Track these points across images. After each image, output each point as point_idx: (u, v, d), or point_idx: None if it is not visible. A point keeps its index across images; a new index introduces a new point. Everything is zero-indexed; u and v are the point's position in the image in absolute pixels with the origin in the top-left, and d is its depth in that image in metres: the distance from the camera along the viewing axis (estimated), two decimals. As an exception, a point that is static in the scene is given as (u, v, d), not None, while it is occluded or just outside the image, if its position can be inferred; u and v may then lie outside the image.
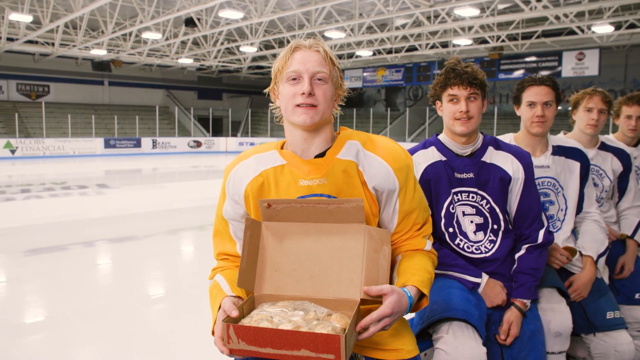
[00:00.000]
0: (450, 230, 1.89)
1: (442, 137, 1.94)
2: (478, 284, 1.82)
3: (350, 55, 24.36)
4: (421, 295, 1.29)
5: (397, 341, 1.34)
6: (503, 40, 19.27)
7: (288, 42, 20.83)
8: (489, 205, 1.86)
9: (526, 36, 19.35)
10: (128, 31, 18.01)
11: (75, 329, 3.48)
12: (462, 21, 16.07)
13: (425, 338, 1.71)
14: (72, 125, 24.83)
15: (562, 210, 2.19)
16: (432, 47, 20.92)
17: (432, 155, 1.90)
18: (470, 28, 17.98)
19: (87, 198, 10.04)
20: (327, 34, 18.39)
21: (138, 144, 24.71)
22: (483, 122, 23.69)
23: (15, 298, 4.20)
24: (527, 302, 1.81)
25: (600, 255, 2.15)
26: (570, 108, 2.55)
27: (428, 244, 1.43)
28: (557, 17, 15.74)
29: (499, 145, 1.90)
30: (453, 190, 1.87)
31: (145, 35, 18.85)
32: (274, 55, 23.87)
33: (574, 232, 2.25)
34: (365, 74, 24.87)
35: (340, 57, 24.68)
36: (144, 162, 20.47)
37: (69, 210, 8.57)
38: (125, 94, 29.34)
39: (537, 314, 1.85)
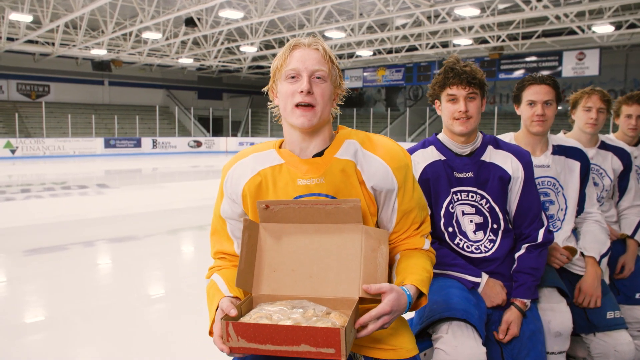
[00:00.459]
0: (450, 229, 1.89)
1: (441, 136, 1.94)
2: (478, 284, 1.81)
3: (351, 55, 24.36)
4: (420, 294, 1.29)
5: (396, 340, 1.33)
6: (503, 40, 19.27)
7: (288, 41, 20.81)
8: (488, 205, 1.86)
9: (526, 36, 19.35)
10: (128, 31, 18.02)
11: (75, 329, 3.48)
12: (463, 21, 16.06)
13: (425, 338, 1.71)
14: (72, 125, 24.83)
15: (562, 209, 2.18)
16: (432, 47, 20.92)
17: (431, 154, 1.90)
18: (470, 28, 17.97)
19: (87, 198, 10.04)
20: (327, 34, 18.39)
21: (138, 144, 24.71)
22: (483, 122, 23.73)
23: (15, 298, 4.20)
24: (527, 301, 1.80)
25: (602, 256, 2.14)
26: (569, 108, 2.55)
27: (427, 243, 1.43)
28: (557, 17, 15.73)
29: (499, 145, 1.90)
30: (452, 190, 1.86)
31: (146, 35, 18.85)
32: (274, 55, 23.80)
33: (575, 232, 2.24)
34: (365, 73, 24.86)
35: (340, 57, 24.68)
36: (144, 162, 20.47)
37: (69, 210, 8.57)
38: (126, 94, 29.34)
39: (537, 313, 1.84)
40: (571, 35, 17.97)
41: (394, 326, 1.34)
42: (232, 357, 1.17)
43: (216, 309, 1.23)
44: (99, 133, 25.46)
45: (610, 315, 2.01)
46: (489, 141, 1.90)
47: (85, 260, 5.36)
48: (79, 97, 27.71)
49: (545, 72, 20.07)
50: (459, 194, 1.87)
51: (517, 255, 1.88)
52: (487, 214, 1.86)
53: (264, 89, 1.42)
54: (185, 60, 24.56)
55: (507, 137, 2.18)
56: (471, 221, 1.87)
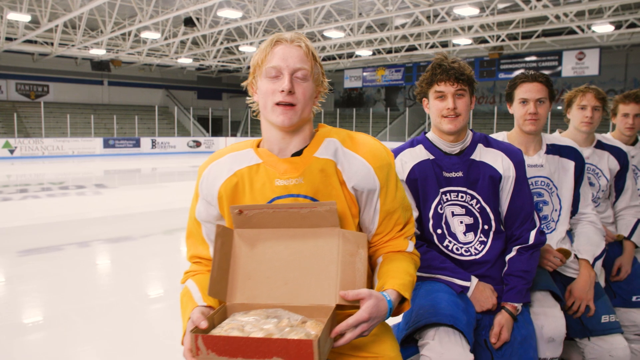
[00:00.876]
0: (439, 231, 1.83)
1: (430, 135, 1.88)
2: (467, 288, 1.76)
3: (350, 55, 24.31)
4: (402, 299, 1.24)
5: (378, 347, 1.29)
6: (503, 40, 19.23)
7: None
8: (479, 205, 1.80)
9: (526, 36, 19.30)
10: (127, 30, 17.99)
11: (74, 329, 3.46)
12: (462, 20, 16.01)
13: (411, 344, 1.65)
14: (72, 125, 24.81)
15: (556, 210, 2.13)
16: (432, 47, 20.87)
17: (419, 154, 1.84)
18: (470, 27, 17.93)
19: (84, 198, 10.00)
20: (326, 34, 18.35)
21: (137, 144, 24.67)
22: (483, 122, 23.72)
23: (12, 298, 4.17)
24: (518, 305, 1.75)
25: (596, 259, 2.07)
26: (564, 106, 2.50)
27: (410, 245, 1.39)
28: (557, 17, 15.69)
29: (489, 143, 1.84)
30: (442, 190, 1.81)
31: (144, 34, 18.81)
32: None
33: (569, 234, 2.18)
34: (365, 73, 24.82)
35: (339, 56, 24.65)
36: (143, 162, 20.44)
37: (67, 210, 8.54)
38: (125, 94, 29.31)
39: (529, 318, 1.78)
40: (571, 35, 17.92)
41: (375, 332, 1.29)
42: None
43: (189, 319, 1.18)
44: (99, 133, 25.43)
45: (605, 319, 1.95)
46: (479, 139, 1.84)
47: (84, 260, 5.34)
48: (78, 97, 27.68)
49: (545, 72, 20.02)
50: (448, 194, 1.81)
51: (507, 257, 1.82)
52: (478, 215, 1.80)
53: (243, 84, 1.37)
54: (185, 60, 24.53)
55: (499, 136, 2.12)
56: (461, 222, 1.81)
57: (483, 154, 1.81)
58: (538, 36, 18.61)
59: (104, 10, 17.33)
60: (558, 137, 2.16)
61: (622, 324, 2.31)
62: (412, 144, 1.89)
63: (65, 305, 3.91)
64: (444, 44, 20.93)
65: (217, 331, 1.10)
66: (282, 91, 1.24)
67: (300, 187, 1.28)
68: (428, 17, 16.81)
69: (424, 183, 1.81)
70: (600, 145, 2.48)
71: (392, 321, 1.54)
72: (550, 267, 2.01)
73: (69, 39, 20.27)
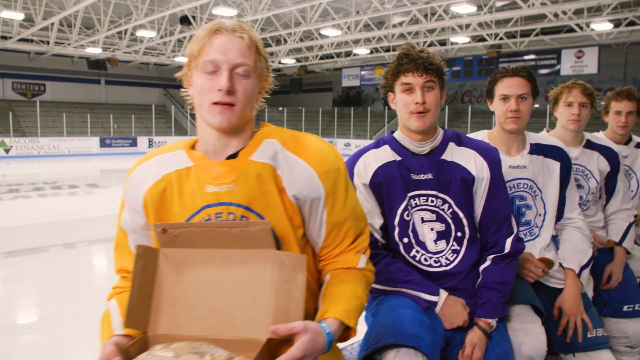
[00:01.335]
0: (405, 240, 1.67)
1: (397, 134, 1.71)
2: (435, 303, 1.60)
3: (348, 54, 24.19)
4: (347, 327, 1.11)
5: None
6: (501, 38, 19.10)
7: (285, 40, 20.69)
8: (451, 210, 1.64)
9: (525, 34, 19.15)
10: (123, 29, 17.86)
11: (71, 329, 3.42)
12: (460, 19, 15.90)
13: None
14: (69, 125, 24.68)
15: (540, 215, 1.97)
16: (430, 45, 20.72)
17: (384, 155, 1.68)
18: (467, 26, 17.80)
19: (76, 198, 9.88)
20: (323, 32, 18.23)
21: (134, 143, 24.55)
22: (481, 122, 23.57)
23: (6, 298, 4.13)
24: (493, 321, 1.59)
25: (583, 268, 1.92)
26: (551, 104, 2.36)
27: (362, 260, 1.25)
28: (555, 15, 15.56)
29: (461, 141, 1.68)
30: (409, 194, 1.64)
31: (140, 33, 18.68)
32: (272, 54, 23.71)
33: (555, 240, 2.03)
34: (363, 72, 24.69)
35: (337, 55, 24.52)
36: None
37: (67, 210, 8.46)
38: (122, 93, 29.16)
39: (505, 335, 1.63)
40: (570, 33, 17.79)
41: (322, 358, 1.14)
42: None
43: None
44: (96, 132, 25.29)
45: (591, 333, 1.80)
46: (450, 137, 1.68)
47: (80, 260, 5.33)
48: (75, 96, 27.53)
49: (544, 71, 19.85)
50: (417, 198, 1.65)
51: (482, 267, 1.66)
52: (450, 221, 1.64)
53: (177, 75, 1.23)
54: (182, 59, 24.37)
55: (479, 135, 1.97)
56: (432, 229, 1.65)
57: (454, 154, 1.65)
58: (537, 34, 18.47)
59: (99, 8, 17.20)
60: (543, 136, 2.01)
61: (612, 335, 2.17)
62: (377, 145, 1.73)
63: (60, 305, 3.87)
64: (442, 42, 20.80)
65: None
66: (220, 90, 1.11)
67: (233, 194, 1.14)
68: (425, 15, 16.68)
69: (388, 187, 1.65)
70: (590, 145, 2.34)
71: (354, 339, 1.41)
72: (532, 278, 1.85)
73: (65, 38, 20.13)
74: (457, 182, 1.62)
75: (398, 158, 1.66)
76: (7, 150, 21.03)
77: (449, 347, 1.58)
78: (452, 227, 1.65)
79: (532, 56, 19.31)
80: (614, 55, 21.07)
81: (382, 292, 1.66)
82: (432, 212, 1.65)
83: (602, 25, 16.16)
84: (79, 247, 5.92)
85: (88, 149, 23.13)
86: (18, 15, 15.25)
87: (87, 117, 25.25)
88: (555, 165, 1.94)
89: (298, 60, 25.37)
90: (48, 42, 20.07)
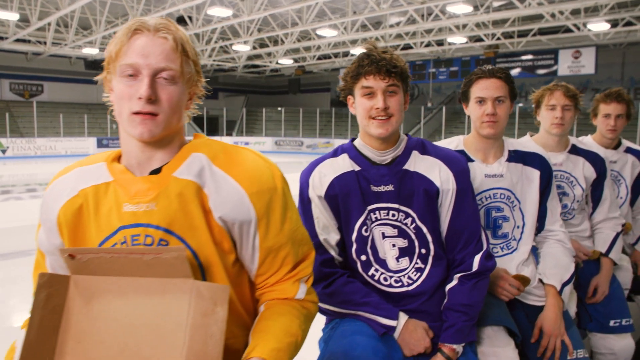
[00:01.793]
0: (363, 258, 1.54)
1: (357, 142, 1.58)
2: (393, 328, 1.46)
3: (346, 54, 24.12)
4: None
5: None
6: (499, 38, 19.05)
7: (282, 41, 20.63)
8: (414, 225, 1.51)
9: (522, 34, 19.10)
10: (119, 28, 17.77)
11: None
12: (457, 19, 15.84)
13: None
14: (67, 125, 24.60)
15: (518, 227, 1.83)
16: (427, 46, 20.69)
17: (342, 164, 1.54)
18: (464, 26, 17.74)
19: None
20: (319, 32, 18.16)
21: (131, 144, 24.47)
22: (479, 121, 23.47)
23: (1, 300, 4.10)
24: (458, 347, 1.46)
25: (564, 284, 1.79)
26: (533, 107, 2.29)
27: (301, 290, 1.13)
28: (552, 15, 15.51)
29: (426, 149, 1.55)
30: (369, 208, 1.51)
31: (137, 33, 18.60)
32: (269, 54, 23.65)
33: (535, 253, 1.92)
34: (360, 72, 24.58)
35: (335, 55, 24.45)
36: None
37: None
38: (120, 93, 29.07)
39: None
40: (567, 33, 17.75)
41: None
42: None
43: None
44: (94, 133, 25.21)
45: (571, 355, 1.69)
46: (414, 146, 1.55)
47: None
48: (73, 96, 27.43)
49: (542, 71, 19.77)
50: (377, 212, 1.52)
51: (448, 287, 1.53)
52: (413, 237, 1.52)
53: (96, 78, 1.10)
54: (179, 59, 24.31)
55: (454, 142, 1.87)
56: (393, 245, 1.53)
57: (418, 164, 1.52)
58: (534, 34, 18.42)
59: (95, 8, 17.14)
60: (523, 143, 1.90)
61: (598, 352, 2.09)
62: (335, 153, 1.60)
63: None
64: (440, 43, 20.73)
65: None
66: (140, 98, 0.99)
67: (151, 214, 1.02)
68: (422, 16, 16.63)
69: (345, 199, 1.51)
70: (575, 151, 2.24)
71: None
72: (506, 296, 1.71)
73: (62, 38, 20.06)
74: (420, 195, 1.50)
75: (357, 168, 1.53)
76: (3, 151, 20.97)
77: None
78: (416, 243, 1.52)
79: (529, 56, 19.27)
80: (611, 56, 21.03)
81: (338, 315, 1.55)
82: (394, 226, 1.52)
83: (599, 26, 16.11)
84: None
85: (85, 150, 23.04)
86: (13, 16, 15.18)
87: (84, 118, 25.17)
88: (535, 174, 1.82)
89: (295, 60, 25.29)
90: (45, 43, 19.99)
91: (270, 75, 31.45)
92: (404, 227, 1.52)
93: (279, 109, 29.86)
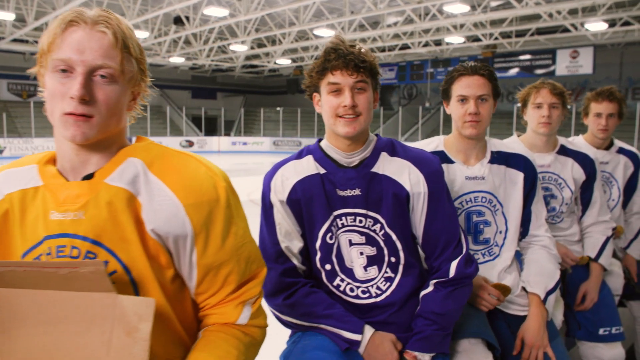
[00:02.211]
0: (328, 267, 1.45)
1: (323, 143, 1.48)
2: (357, 342, 1.37)
3: (344, 54, 24.06)
4: None
5: None
6: (496, 38, 19.00)
7: (280, 41, 20.58)
8: (383, 232, 1.42)
9: (520, 34, 19.06)
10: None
11: None
12: (454, 18, 15.79)
13: None
14: (64, 125, 24.54)
15: (500, 232, 1.75)
16: (425, 45, 20.64)
17: (306, 167, 1.45)
18: (462, 25, 17.70)
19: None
20: (317, 32, 18.12)
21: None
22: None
23: None
24: (424, 356, 1.36)
25: (549, 293, 1.70)
26: (520, 106, 2.23)
27: (244, 315, 1.02)
28: (550, 15, 15.46)
29: (395, 151, 1.46)
30: (335, 213, 1.42)
31: (134, 33, 18.56)
32: (267, 54, 23.60)
33: (519, 260, 1.84)
34: (358, 72, 24.57)
35: (333, 55, 24.38)
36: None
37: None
38: (118, 93, 29.03)
39: None
40: (565, 33, 17.71)
41: None
42: None
43: None
44: (91, 133, 25.16)
45: None
46: (383, 146, 1.46)
47: None
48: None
49: (539, 71, 19.74)
50: (343, 218, 1.42)
51: (422, 293, 1.45)
52: (382, 244, 1.43)
53: (29, 72, 1.03)
54: (177, 60, 24.25)
55: (433, 142, 1.79)
56: (361, 253, 1.43)
57: (386, 166, 1.43)
58: (532, 34, 18.38)
59: (92, 8, 17.09)
60: (507, 144, 1.82)
61: None
62: (299, 155, 1.50)
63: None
64: (437, 42, 20.68)
65: None
66: (73, 98, 0.90)
67: (78, 224, 0.93)
68: (420, 15, 16.59)
69: (309, 204, 1.42)
70: (564, 151, 2.16)
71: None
72: (485, 307, 1.62)
73: (59, 38, 20.01)
74: (389, 199, 1.40)
75: (322, 171, 1.43)
76: (1, 151, 20.92)
77: None
78: (385, 251, 1.43)
79: (527, 56, 19.22)
80: (609, 56, 20.99)
81: (300, 328, 1.46)
82: (361, 233, 1.43)
83: (596, 25, 16.06)
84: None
85: (82, 150, 23.00)
86: (9, 16, 15.12)
87: (81, 118, 25.15)
88: (519, 176, 1.73)
89: (294, 60, 25.24)
90: (42, 43, 19.95)
91: (268, 75, 31.38)
92: (372, 233, 1.43)
93: (277, 109, 29.78)
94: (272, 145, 26.95)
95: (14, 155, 21.03)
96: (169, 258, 0.98)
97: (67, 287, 0.88)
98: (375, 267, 1.44)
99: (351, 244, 1.44)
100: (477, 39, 19.66)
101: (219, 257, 0.99)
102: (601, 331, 2.02)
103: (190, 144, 26.46)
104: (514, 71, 19.44)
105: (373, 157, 1.44)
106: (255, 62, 25.29)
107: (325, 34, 18.21)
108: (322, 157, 1.46)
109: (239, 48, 21.41)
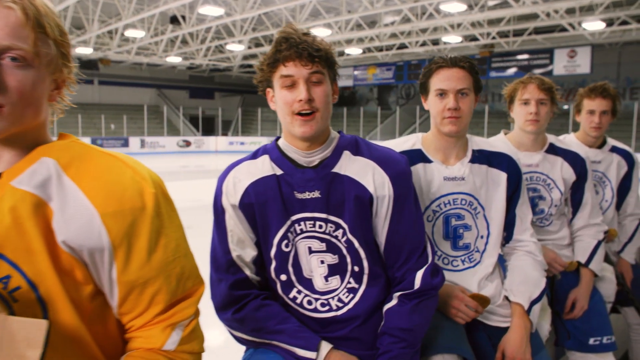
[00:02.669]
0: (283, 277, 1.33)
1: (281, 141, 1.36)
2: None
3: (341, 54, 24.01)
4: None
5: None
6: (494, 38, 18.95)
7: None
8: (345, 238, 1.29)
9: (517, 33, 19.01)
10: (112, 28, 17.64)
11: None
12: (452, 18, 15.72)
13: None
14: (62, 125, 24.40)
15: (482, 237, 1.62)
16: (422, 45, 20.58)
17: (261, 168, 1.32)
18: (459, 25, 17.63)
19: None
20: (313, 31, 17.89)
21: (125, 144, 24.31)
22: (475, 122, 23.32)
23: None
24: None
25: (533, 302, 1.58)
26: (507, 103, 2.11)
27: (173, 339, 0.90)
28: (547, 14, 15.40)
29: (359, 149, 1.33)
30: (293, 218, 1.30)
31: (130, 32, 18.47)
32: (264, 54, 23.46)
33: (503, 267, 1.71)
34: (356, 72, 24.50)
35: (331, 55, 24.32)
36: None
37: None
38: (116, 93, 28.93)
39: None
40: (563, 32, 17.65)
41: None
42: None
43: None
44: (88, 133, 25.05)
45: None
46: (346, 144, 1.33)
47: None
48: (68, 96, 27.27)
49: (537, 70, 19.74)
50: (302, 223, 1.30)
51: (385, 308, 1.32)
52: (345, 252, 1.31)
53: None
54: (174, 59, 24.15)
55: (410, 140, 1.65)
56: (322, 262, 1.31)
57: (349, 166, 1.30)
58: (529, 34, 18.31)
59: (88, 8, 17.01)
60: (491, 142, 1.69)
61: None
62: (255, 155, 1.37)
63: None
64: (435, 42, 20.62)
65: None
66: None
67: None
68: (417, 15, 16.52)
69: (263, 209, 1.29)
70: (553, 150, 2.04)
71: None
72: (461, 319, 1.49)
73: (54, 37, 19.91)
74: (351, 202, 1.28)
75: (279, 172, 1.31)
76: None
77: None
78: (348, 259, 1.31)
79: (524, 56, 19.16)
80: (607, 55, 20.94)
81: (252, 344, 1.35)
82: (322, 240, 1.30)
83: (594, 25, 16.00)
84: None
85: (79, 150, 22.90)
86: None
87: (78, 118, 25.01)
88: (502, 177, 1.60)
89: (291, 60, 25.18)
90: (37, 42, 19.85)
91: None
92: (333, 240, 1.30)
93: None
94: (269, 145, 26.84)
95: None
96: (86, 273, 0.86)
97: None
98: (337, 277, 1.32)
99: (311, 251, 1.31)
100: (474, 39, 19.60)
101: (144, 273, 0.87)
102: (592, 341, 1.91)
103: (188, 143, 26.36)
104: (511, 71, 19.37)
105: (334, 157, 1.32)
106: (252, 61, 25.19)
107: (322, 33, 18.11)
108: (279, 156, 1.33)
109: (236, 47, 21.32)
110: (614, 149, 2.45)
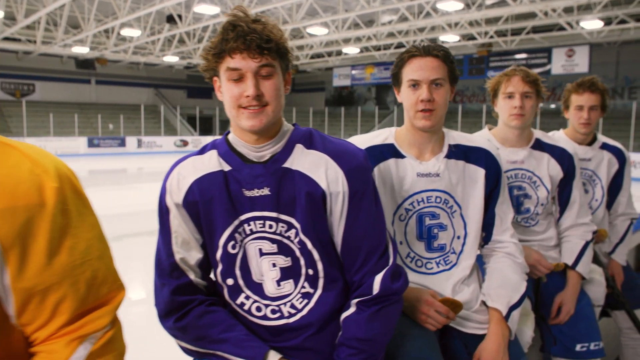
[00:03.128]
0: (230, 282, 1.23)
1: (231, 136, 1.25)
2: None
3: (339, 53, 23.94)
4: None
5: None
6: (491, 37, 18.88)
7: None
8: (298, 239, 1.20)
9: (515, 32, 18.95)
10: (109, 27, 17.56)
11: None
12: (449, 16, 15.65)
13: None
14: (59, 125, 24.37)
15: (458, 238, 1.52)
16: (420, 44, 20.53)
17: (207, 164, 1.22)
18: (457, 24, 17.56)
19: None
20: (310, 30, 17.96)
21: (122, 143, 24.23)
22: (473, 121, 23.23)
23: None
24: None
25: (512, 308, 1.47)
26: (490, 97, 2.02)
27: (79, 354, 0.80)
28: (545, 13, 15.33)
29: (313, 143, 1.23)
30: (241, 218, 1.20)
31: (126, 32, 18.39)
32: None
33: (482, 269, 1.61)
34: (353, 71, 24.40)
35: (328, 54, 24.24)
36: (128, 162, 20.09)
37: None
38: (113, 93, 28.86)
39: None
40: (561, 31, 17.58)
41: None
42: None
43: None
44: (86, 132, 24.97)
45: None
46: (299, 138, 1.23)
47: None
48: (65, 96, 27.20)
49: (535, 70, 19.83)
50: (252, 223, 1.20)
51: (343, 316, 1.22)
52: (298, 253, 1.21)
53: None
54: (171, 59, 24.06)
55: (382, 134, 1.55)
56: (274, 265, 1.22)
57: (301, 160, 1.20)
58: (527, 33, 18.23)
59: (84, 7, 16.91)
60: (468, 137, 1.58)
61: None
62: (202, 150, 1.27)
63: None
64: (433, 41, 20.30)
65: None
66: None
67: None
68: (414, 14, 16.44)
69: (208, 207, 1.20)
70: (539, 146, 1.94)
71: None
72: (432, 325, 1.39)
73: (52, 37, 19.81)
74: (303, 199, 1.18)
75: (227, 167, 1.21)
76: (-9, 151, 20.74)
77: None
78: (302, 261, 1.21)
79: (523, 55, 19.07)
80: (605, 54, 20.85)
81: (196, 355, 1.25)
82: (273, 241, 1.21)
83: (592, 24, 15.93)
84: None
85: (75, 150, 22.77)
86: (-2, 13, 14.95)
87: (75, 117, 24.93)
88: (480, 173, 1.49)
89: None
90: (35, 41, 19.75)
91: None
92: (285, 241, 1.21)
93: (273, 108, 29.62)
94: (267, 145, 26.79)
95: (5, 155, 20.82)
96: None
97: None
98: (291, 281, 1.22)
99: (262, 253, 1.22)
100: (472, 38, 19.54)
101: (45, 279, 0.78)
102: (578, 347, 1.81)
103: (185, 143, 26.28)
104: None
105: (286, 151, 1.21)
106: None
107: (319, 32, 18.06)
108: (227, 151, 1.23)
109: (233, 47, 21.23)
110: (604, 146, 2.35)
